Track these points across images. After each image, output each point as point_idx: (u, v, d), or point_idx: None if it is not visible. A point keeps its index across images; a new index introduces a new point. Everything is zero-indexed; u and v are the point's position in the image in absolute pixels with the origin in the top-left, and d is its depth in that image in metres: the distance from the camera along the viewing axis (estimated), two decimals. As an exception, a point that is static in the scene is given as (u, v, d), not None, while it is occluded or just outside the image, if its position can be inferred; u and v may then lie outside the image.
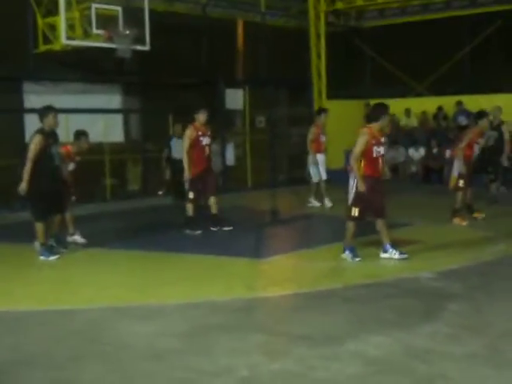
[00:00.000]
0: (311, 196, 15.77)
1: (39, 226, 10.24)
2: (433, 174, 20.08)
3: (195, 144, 12.40)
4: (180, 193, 17.00)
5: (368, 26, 24.33)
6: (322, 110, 16.10)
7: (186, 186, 12.57)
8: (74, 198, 11.44)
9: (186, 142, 12.41)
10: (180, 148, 16.66)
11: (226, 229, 12.63)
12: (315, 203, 15.69)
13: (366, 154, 9.63)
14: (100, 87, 17.69)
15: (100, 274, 9.42)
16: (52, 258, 10.23)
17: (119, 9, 14.95)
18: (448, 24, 21.89)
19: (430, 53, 21.95)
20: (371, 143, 9.63)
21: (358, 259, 9.71)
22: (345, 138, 21.99)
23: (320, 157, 15.60)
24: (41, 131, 10.23)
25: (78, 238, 11.32)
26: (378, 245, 10.22)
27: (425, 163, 20.26)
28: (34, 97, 16.21)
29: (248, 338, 6.42)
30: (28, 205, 10.56)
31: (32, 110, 16.08)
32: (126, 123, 18.83)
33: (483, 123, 13.11)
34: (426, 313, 7.09)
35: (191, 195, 12.49)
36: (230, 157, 19.43)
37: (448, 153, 17.76)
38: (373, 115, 10.07)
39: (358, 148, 9.62)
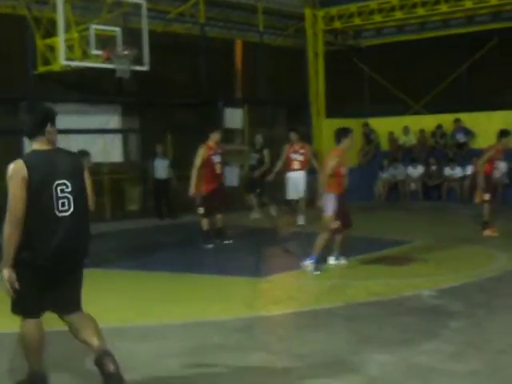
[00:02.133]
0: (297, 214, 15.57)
1: None
2: (432, 191, 20.08)
3: (207, 162, 12.85)
4: (162, 211, 17.31)
5: (366, 45, 24.44)
6: (290, 130, 16.01)
7: (198, 201, 12.97)
8: None
9: (198, 160, 12.78)
10: (162, 168, 17.01)
11: (226, 242, 13.08)
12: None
13: (336, 173, 10.21)
14: (99, 107, 17.75)
15: (99, 294, 9.35)
16: None
17: (118, 29, 15.02)
18: (445, 42, 22.00)
19: (428, 71, 22.05)
20: (339, 164, 10.30)
21: (317, 273, 9.94)
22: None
23: (288, 175, 15.45)
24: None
25: None
26: (380, 262, 10.25)
27: (424, 181, 20.26)
28: (33, 118, 16.24)
29: (248, 357, 6.38)
30: None
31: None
32: (125, 143, 18.85)
33: (506, 141, 13.27)
34: (428, 330, 7.06)
35: (201, 211, 12.90)
36: (234, 178, 19.41)
37: (470, 169, 17.84)
38: (337, 138, 10.65)
39: (329, 168, 10.21)
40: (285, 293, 9.27)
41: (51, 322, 5.94)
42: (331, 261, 10.56)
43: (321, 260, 10.26)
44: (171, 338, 7.13)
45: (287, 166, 15.44)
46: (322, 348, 6.60)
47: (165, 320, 7.83)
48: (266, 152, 16.38)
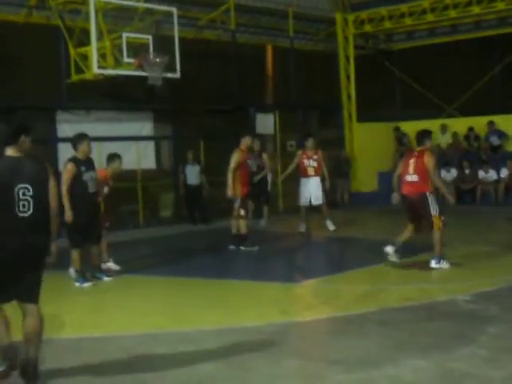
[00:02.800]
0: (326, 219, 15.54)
1: (75, 253, 10.33)
2: (466, 194, 19.91)
3: (242, 165, 13.21)
4: (194, 217, 17.39)
5: (397, 48, 24.36)
6: (307, 135, 15.95)
7: (237, 203, 13.17)
8: (107, 224, 11.51)
9: (233, 163, 13.06)
10: (193, 174, 17.10)
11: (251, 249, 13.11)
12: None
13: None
14: (132, 115, 17.89)
15: (134, 300, 9.45)
16: (86, 284, 10.30)
17: (150, 37, 15.10)
18: (478, 44, 21.85)
19: (460, 73, 21.89)
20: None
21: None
22: (376, 160, 22.10)
23: (303, 181, 15.39)
24: (72, 159, 10.30)
25: (112, 265, 11.37)
26: (414, 267, 10.27)
27: (457, 184, 20.11)
28: (67, 126, 16.45)
29: (284, 363, 6.39)
30: (64, 232, 10.65)
31: (65, 139, 16.36)
32: (158, 150, 18.97)
33: None
34: (464, 335, 7.01)
35: (243, 212, 13.18)
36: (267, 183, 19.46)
37: (505, 171, 17.75)
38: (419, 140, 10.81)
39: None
40: (318, 298, 9.27)
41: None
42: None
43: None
44: (206, 343, 7.16)
45: (301, 173, 15.37)
46: (356, 353, 6.58)
47: (199, 326, 7.87)
48: (265, 156, 16.24)
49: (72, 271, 10.53)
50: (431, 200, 10.36)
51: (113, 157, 11.52)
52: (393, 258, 10.74)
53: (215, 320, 8.12)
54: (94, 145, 16.31)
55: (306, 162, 15.23)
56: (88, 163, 10.39)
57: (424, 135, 10.76)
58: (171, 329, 7.82)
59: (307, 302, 9.18)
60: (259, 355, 6.64)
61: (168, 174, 19.07)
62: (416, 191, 10.43)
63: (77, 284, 10.29)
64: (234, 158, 13.10)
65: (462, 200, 19.68)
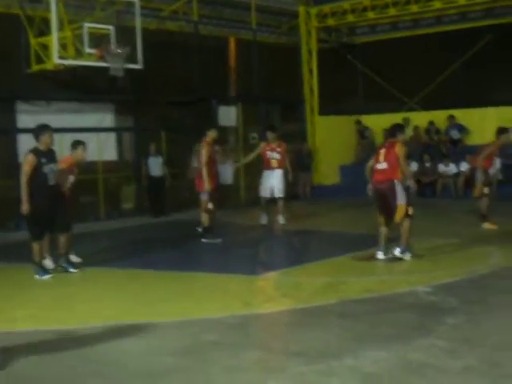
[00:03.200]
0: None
1: (35, 245, 10.20)
2: (426, 188, 20.08)
3: (210, 159, 13.24)
4: (156, 209, 17.36)
5: (359, 42, 24.47)
6: (268, 128, 15.91)
7: (204, 196, 13.31)
8: None
9: (205, 157, 13.09)
10: (156, 165, 17.05)
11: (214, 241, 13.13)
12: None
13: None
14: (93, 106, 17.73)
15: (94, 292, 9.38)
16: (46, 277, 10.19)
17: (111, 28, 15.00)
18: (439, 38, 22.05)
19: (422, 67, 22.10)
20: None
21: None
22: (338, 153, 22.22)
23: (266, 173, 15.29)
24: (33, 150, 10.15)
25: (73, 257, 11.26)
26: (374, 259, 10.35)
27: (417, 177, 20.25)
28: (27, 117, 16.23)
29: (244, 354, 6.38)
30: (24, 224, 10.53)
31: (25, 130, 16.15)
32: (120, 141, 18.84)
33: (504, 138, 13.64)
34: (423, 327, 7.06)
35: (211, 206, 13.26)
36: (229, 175, 19.44)
37: (464, 165, 17.98)
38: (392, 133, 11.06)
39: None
40: (279, 290, 9.27)
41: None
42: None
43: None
44: (166, 335, 7.13)
45: (264, 165, 15.32)
46: (317, 345, 6.59)
47: (159, 318, 7.82)
48: (217, 149, 16.15)
49: (47, 262, 10.62)
50: (399, 188, 10.42)
51: (77, 144, 11.37)
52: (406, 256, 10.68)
53: (176, 312, 8.09)
54: (55, 136, 16.24)
55: (269, 153, 15.20)
56: (49, 155, 10.24)
57: (397, 128, 10.96)
58: (130, 321, 7.76)
59: (268, 294, 9.18)
60: (220, 347, 6.63)
61: (129, 166, 18.96)
62: (385, 178, 10.53)
63: (36, 276, 10.17)
64: (204, 152, 13.10)
65: (423, 193, 19.83)
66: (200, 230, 13.46)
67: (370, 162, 10.98)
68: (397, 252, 10.54)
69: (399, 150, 10.53)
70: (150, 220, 17.15)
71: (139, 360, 6.37)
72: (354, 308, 7.95)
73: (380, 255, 10.61)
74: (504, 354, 6.20)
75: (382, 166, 10.57)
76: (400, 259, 10.48)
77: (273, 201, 15.28)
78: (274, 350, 6.63)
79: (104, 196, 17.68)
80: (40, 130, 10.30)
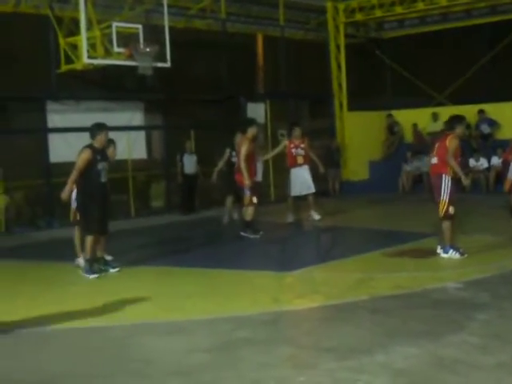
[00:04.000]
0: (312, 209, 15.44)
1: (90, 240, 10.21)
2: (458, 183, 19.88)
3: (250, 155, 13.22)
4: (188, 207, 17.41)
5: (388, 37, 24.35)
6: (294, 124, 15.86)
7: (247, 192, 13.23)
8: None
9: (244, 152, 13.06)
10: (191, 163, 17.13)
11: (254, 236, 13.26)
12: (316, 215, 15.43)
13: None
14: (122, 105, 17.84)
15: (127, 290, 9.44)
16: (93, 276, 10.23)
17: (139, 26, 15.05)
18: (468, 32, 21.86)
19: (451, 62, 21.94)
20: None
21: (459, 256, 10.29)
22: (367, 149, 22.12)
23: (294, 171, 15.27)
24: (90, 146, 10.32)
25: (106, 256, 11.31)
26: (405, 255, 10.32)
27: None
28: (57, 116, 16.41)
29: (275, 351, 6.41)
30: (80, 218, 10.50)
31: (55, 130, 16.31)
32: (149, 140, 18.93)
33: None
34: (454, 323, 7.03)
35: (255, 200, 13.27)
36: (258, 173, 19.47)
37: (495, 159, 17.81)
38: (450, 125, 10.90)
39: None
40: (310, 287, 9.28)
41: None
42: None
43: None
44: (199, 333, 7.17)
45: (291, 162, 15.28)
46: (348, 341, 6.60)
47: (192, 315, 7.87)
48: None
49: (81, 261, 10.62)
50: (445, 183, 10.34)
51: (108, 142, 11.45)
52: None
53: (208, 309, 8.13)
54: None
55: (293, 151, 15.18)
56: (103, 153, 10.44)
57: (456, 120, 10.82)
58: (163, 319, 7.82)
59: (299, 291, 9.19)
60: (251, 344, 6.65)
61: (158, 164, 19.05)
62: (434, 172, 10.55)
63: (84, 274, 10.23)
64: (245, 147, 13.09)
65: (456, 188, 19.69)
66: (243, 233, 13.33)
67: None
68: (439, 251, 10.48)
69: (450, 142, 10.32)
70: (179, 218, 17.20)
71: (174, 358, 6.41)
72: (384, 304, 7.94)
73: (439, 250, 10.56)
74: (537, 349, 6.16)
75: (434, 160, 10.53)
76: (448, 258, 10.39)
77: (302, 197, 15.25)
78: (304, 347, 6.65)
79: (134, 194, 17.78)
80: (98, 128, 10.52)
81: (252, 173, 13.31)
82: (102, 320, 7.86)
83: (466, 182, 10.58)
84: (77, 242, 11.03)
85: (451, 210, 10.37)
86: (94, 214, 10.20)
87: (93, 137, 10.41)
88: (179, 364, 6.21)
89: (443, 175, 10.35)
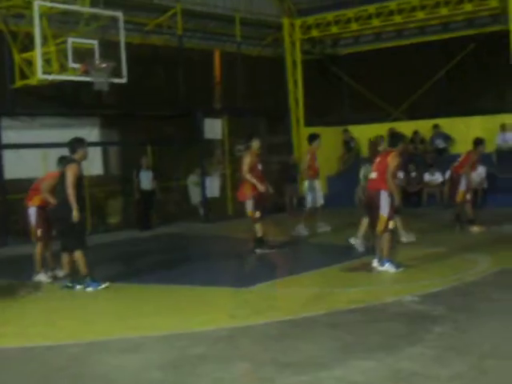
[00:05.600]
0: (318, 221, 15.73)
1: (82, 256, 10.17)
2: (412, 197, 20.12)
3: (254, 168, 12.95)
4: (145, 223, 17.37)
5: (344, 53, 24.58)
6: (315, 136, 15.83)
7: (248, 206, 12.97)
8: (54, 231, 11.35)
9: (246, 166, 12.86)
10: (147, 179, 17.09)
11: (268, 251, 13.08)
12: (324, 226, 15.65)
13: None
14: (78, 120, 17.69)
15: (81, 307, 9.35)
16: (101, 286, 10.19)
17: (95, 42, 15.00)
18: (422, 49, 22.20)
19: (406, 77, 22.23)
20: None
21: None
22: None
23: (316, 182, 15.52)
24: (73, 161, 10.29)
25: (59, 273, 11.21)
26: (361, 269, 10.36)
27: (403, 187, 20.27)
28: (12, 132, 16.19)
29: (231, 367, 6.37)
30: (71, 233, 10.30)
31: (9, 146, 16.10)
32: (106, 156, 18.80)
33: (482, 148, 14.57)
34: (411, 335, 7.08)
35: (258, 214, 12.94)
36: (215, 188, 19.46)
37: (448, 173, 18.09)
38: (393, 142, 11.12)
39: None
40: (268, 302, 9.24)
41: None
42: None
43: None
44: (153, 350, 7.10)
45: (313, 174, 15.41)
46: (305, 356, 6.60)
47: (147, 332, 7.79)
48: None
49: (42, 277, 10.77)
50: (384, 199, 10.39)
51: (62, 159, 11.37)
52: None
53: (163, 326, 8.06)
54: (40, 151, 16.20)
55: (316, 163, 15.39)
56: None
57: (399, 138, 11.10)
58: (118, 336, 7.73)
59: (256, 307, 9.15)
60: (208, 360, 6.61)
61: (115, 180, 18.91)
62: (373, 187, 10.60)
63: (89, 289, 10.12)
64: (247, 161, 12.92)
65: (408, 202, 19.88)
66: (257, 251, 13.01)
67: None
68: (375, 263, 10.55)
69: (391, 160, 10.45)
70: (137, 234, 17.08)
71: (127, 375, 6.34)
72: (342, 318, 7.95)
73: (375, 263, 10.64)
74: (492, 361, 6.22)
75: (373, 175, 10.64)
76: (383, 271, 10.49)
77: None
78: (261, 362, 6.61)
79: (90, 210, 17.59)
80: (79, 143, 10.56)
81: (254, 187, 12.93)
82: (59, 338, 7.75)
83: (398, 202, 10.72)
84: (38, 257, 11.02)
85: (391, 224, 10.46)
86: (84, 227, 10.35)
87: (73, 151, 10.39)
88: (136, 382, 6.14)
89: (381, 191, 10.42)
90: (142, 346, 7.27)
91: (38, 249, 11.10)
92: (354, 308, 8.38)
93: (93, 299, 9.89)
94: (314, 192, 15.45)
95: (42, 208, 11.22)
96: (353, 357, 6.44)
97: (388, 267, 10.45)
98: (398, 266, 10.52)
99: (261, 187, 12.82)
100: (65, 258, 10.49)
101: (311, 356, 6.60)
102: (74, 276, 10.45)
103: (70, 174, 10.09)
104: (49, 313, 9.17)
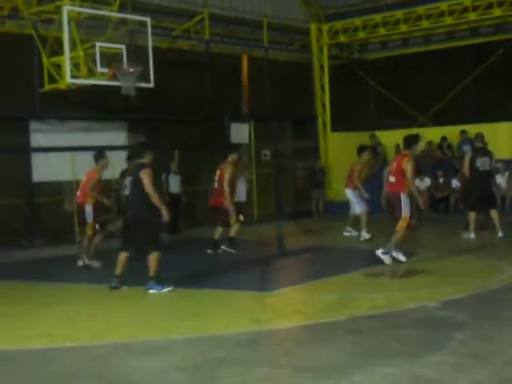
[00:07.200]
0: (349, 225, 16.06)
1: (159, 257, 10.37)
2: (439, 203, 20.04)
3: (233, 178, 14.03)
4: (174, 227, 17.48)
5: (371, 58, 24.53)
6: (364, 148, 16.30)
7: (231, 211, 13.89)
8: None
9: (228, 176, 13.71)
10: (175, 183, 17.24)
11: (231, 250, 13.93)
12: (353, 232, 15.90)
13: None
14: (105, 125, 17.84)
15: (105, 309, 9.42)
16: (166, 289, 10.28)
17: (123, 47, 15.11)
18: (450, 54, 22.09)
19: (433, 83, 22.11)
20: None
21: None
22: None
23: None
24: (146, 165, 10.59)
25: (94, 263, 12.54)
26: (384, 275, 10.35)
27: (431, 193, 20.23)
28: (41, 136, 16.39)
29: (251, 371, 6.39)
30: (149, 235, 10.45)
31: (38, 149, 16.28)
32: (133, 160, 18.89)
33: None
34: (432, 342, 7.05)
35: (242, 217, 14.20)
36: (241, 193, 19.49)
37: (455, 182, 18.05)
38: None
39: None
40: (290, 307, 9.27)
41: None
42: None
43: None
44: (176, 353, 7.15)
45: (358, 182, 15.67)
46: (326, 361, 6.60)
47: (170, 335, 7.85)
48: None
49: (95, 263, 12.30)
50: (404, 201, 11.04)
51: (100, 154, 12.62)
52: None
53: (184, 328, 8.11)
54: (68, 155, 16.36)
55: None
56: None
57: (413, 140, 11.59)
58: (141, 338, 7.79)
59: (278, 311, 9.17)
60: (228, 364, 6.64)
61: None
62: (392, 191, 11.20)
63: (153, 291, 10.22)
64: (229, 171, 13.72)
65: (436, 208, 19.82)
66: (224, 248, 14.00)
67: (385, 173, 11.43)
68: (379, 252, 11.21)
69: (406, 165, 10.84)
70: (165, 237, 17.13)
71: (147, 377, 6.39)
72: (363, 324, 7.95)
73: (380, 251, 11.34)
74: (513, 369, 6.19)
75: (391, 178, 10.98)
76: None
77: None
78: (282, 367, 6.63)
79: (118, 213, 17.72)
80: (145, 148, 10.96)
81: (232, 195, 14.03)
82: (81, 339, 7.83)
83: (422, 205, 11.65)
84: (94, 248, 12.73)
85: (413, 221, 11.28)
86: (161, 229, 10.95)
87: (141, 156, 10.68)
88: (155, 383, 6.19)
89: (401, 193, 11.09)
90: (163, 348, 7.33)
91: (95, 240, 12.85)
92: (375, 314, 8.37)
93: (115, 302, 9.96)
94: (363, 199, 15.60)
95: (96, 205, 12.71)
96: (373, 363, 6.43)
97: (395, 255, 11.25)
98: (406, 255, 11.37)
99: (229, 202, 13.83)
100: (122, 257, 10.58)
101: (331, 361, 6.60)
102: (121, 278, 10.57)
103: (148, 178, 10.35)
104: (70, 315, 9.24)
